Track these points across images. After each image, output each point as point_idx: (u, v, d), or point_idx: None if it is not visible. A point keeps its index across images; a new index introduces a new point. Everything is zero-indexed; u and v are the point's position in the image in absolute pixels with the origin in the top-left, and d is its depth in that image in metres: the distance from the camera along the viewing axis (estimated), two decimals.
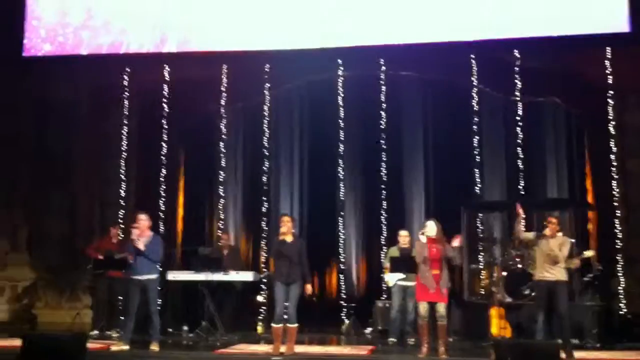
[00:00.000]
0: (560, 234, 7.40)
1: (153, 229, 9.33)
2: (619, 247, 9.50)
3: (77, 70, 10.51)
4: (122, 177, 10.48)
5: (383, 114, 10.67)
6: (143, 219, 7.53)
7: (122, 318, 7.80)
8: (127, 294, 7.69)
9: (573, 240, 8.92)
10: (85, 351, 6.46)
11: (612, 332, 8.65)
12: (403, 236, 8.71)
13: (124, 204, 10.31)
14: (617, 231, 9.54)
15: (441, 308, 7.20)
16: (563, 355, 6.44)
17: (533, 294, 8.08)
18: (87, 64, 10.47)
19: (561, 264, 7.21)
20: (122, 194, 10.40)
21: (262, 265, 10.54)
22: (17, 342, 5.92)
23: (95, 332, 8.85)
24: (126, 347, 7.41)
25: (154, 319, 7.50)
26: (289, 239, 7.27)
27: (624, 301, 9.23)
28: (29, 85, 10.57)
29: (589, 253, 8.39)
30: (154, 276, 7.55)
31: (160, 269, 9.80)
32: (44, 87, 10.58)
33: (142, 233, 7.52)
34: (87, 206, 10.66)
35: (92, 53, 10.34)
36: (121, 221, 10.04)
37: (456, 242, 7.27)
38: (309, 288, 7.27)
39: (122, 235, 9.50)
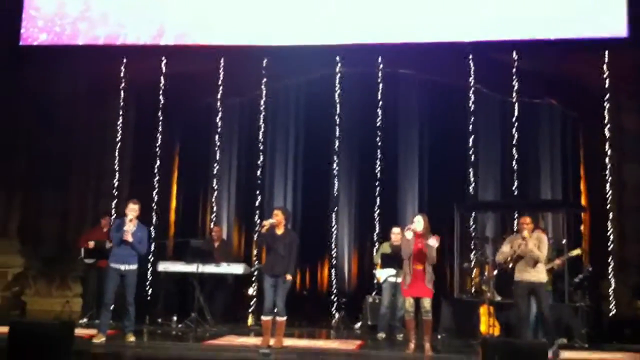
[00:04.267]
0: (536, 231, 7.29)
1: (146, 220, 9.32)
2: (610, 249, 9.51)
3: (73, 61, 10.48)
4: (116, 168, 10.47)
5: (379, 111, 10.68)
6: (135, 209, 7.48)
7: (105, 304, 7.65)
8: (105, 282, 7.50)
9: (564, 241, 8.96)
10: (72, 339, 6.46)
11: (601, 333, 8.65)
12: (395, 233, 8.71)
13: (117, 194, 10.29)
14: (609, 234, 9.56)
15: (426, 303, 7.15)
16: (550, 355, 6.42)
17: None
18: (83, 55, 10.46)
19: (542, 264, 7.13)
20: (116, 184, 10.38)
21: (254, 258, 10.55)
22: (4, 329, 5.89)
23: (85, 320, 8.84)
24: (103, 339, 7.32)
25: (130, 310, 7.42)
26: (279, 231, 7.26)
27: (614, 303, 9.24)
28: (25, 74, 10.54)
29: (575, 252, 8.39)
30: (133, 267, 7.46)
31: (152, 259, 9.88)
32: (39, 77, 10.55)
33: (132, 222, 7.50)
34: (82, 196, 10.64)
35: (89, 44, 10.33)
36: (113, 212, 10.03)
37: (433, 241, 7.10)
38: (288, 277, 7.16)
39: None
